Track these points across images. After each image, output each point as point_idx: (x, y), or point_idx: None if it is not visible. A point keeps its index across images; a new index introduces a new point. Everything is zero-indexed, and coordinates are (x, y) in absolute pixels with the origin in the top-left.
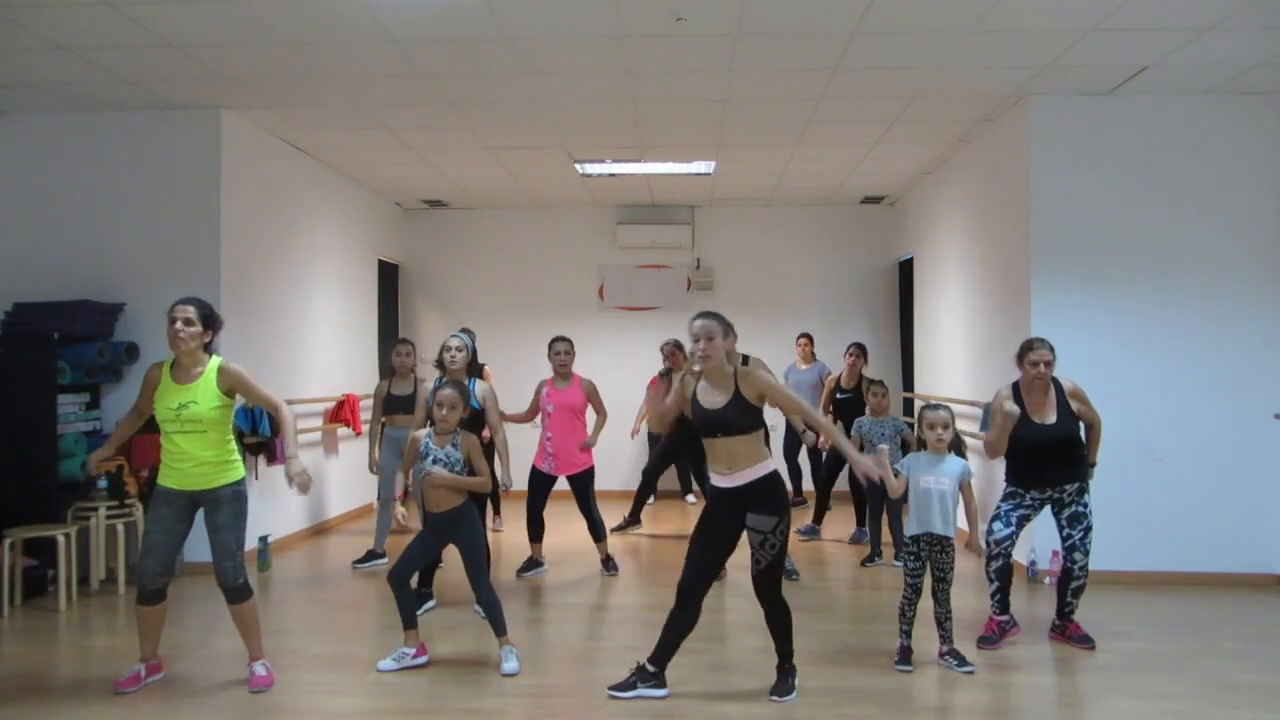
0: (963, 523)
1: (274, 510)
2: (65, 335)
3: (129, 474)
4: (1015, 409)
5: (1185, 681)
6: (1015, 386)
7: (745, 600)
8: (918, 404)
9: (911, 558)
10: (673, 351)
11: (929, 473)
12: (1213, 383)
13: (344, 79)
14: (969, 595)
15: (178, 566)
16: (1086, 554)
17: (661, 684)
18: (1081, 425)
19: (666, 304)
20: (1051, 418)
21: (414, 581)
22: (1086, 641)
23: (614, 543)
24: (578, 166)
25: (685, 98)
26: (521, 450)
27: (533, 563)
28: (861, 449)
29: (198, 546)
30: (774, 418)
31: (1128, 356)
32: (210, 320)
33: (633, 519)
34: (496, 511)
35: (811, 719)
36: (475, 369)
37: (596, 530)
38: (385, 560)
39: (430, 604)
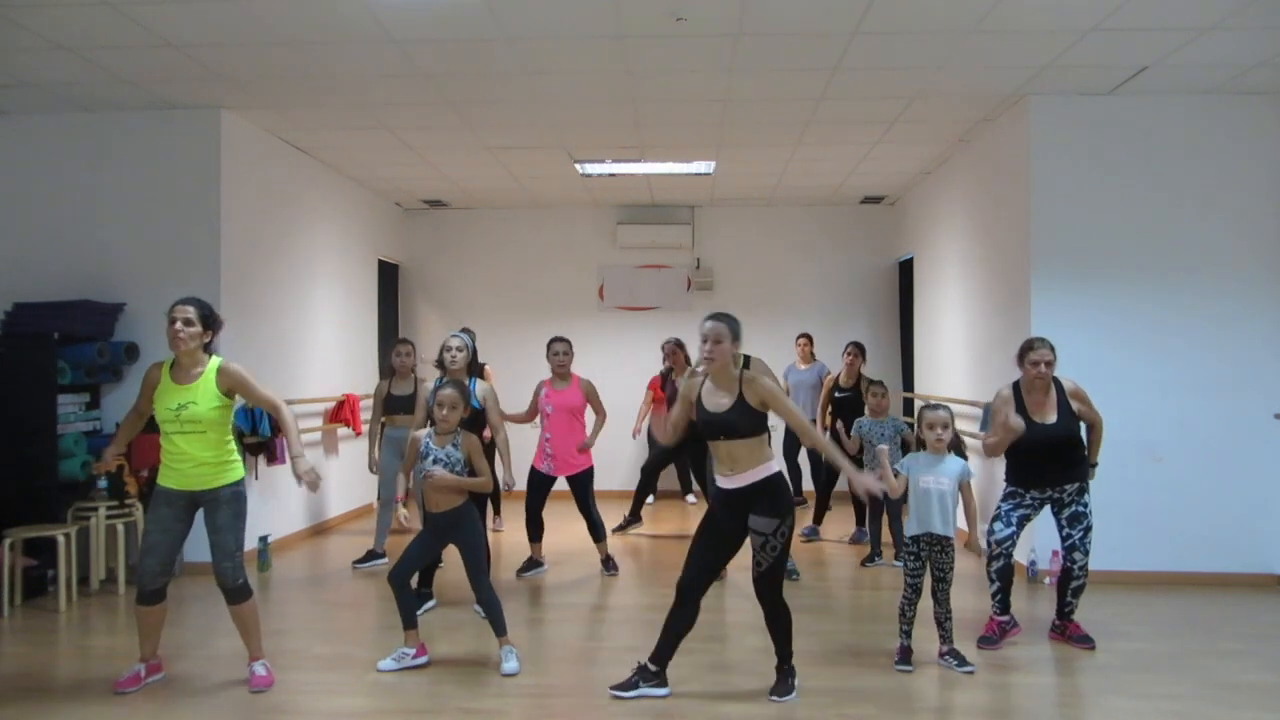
0: (962, 523)
1: (274, 510)
2: (65, 335)
3: (129, 474)
4: (1020, 423)
5: (1185, 681)
6: (1016, 386)
7: (745, 600)
8: (917, 404)
9: (911, 558)
10: (673, 350)
11: (929, 473)
12: (1212, 383)
13: (344, 79)
14: (969, 595)
15: (178, 566)
16: (1086, 554)
17: (663, 683)
18: (1083, 425)
19: (666, 304)
20: (1052, 417)
21: (414, 581)
22: (1086, 641)
23: (614, 543)
24: (578, 166)
25: (685, 98)
26: (522, 450)
27: (533, 563)
28: (861, 449)
29: (198, 546)
30: (774, 418)
31: (1128, 356)
32: (210, 320)
33: (633, 517)
34: (497, 511)
35: (811, 719)
36: (476, 369)
37: (596, 530)
38: (385, 560)
39: (430, 604)
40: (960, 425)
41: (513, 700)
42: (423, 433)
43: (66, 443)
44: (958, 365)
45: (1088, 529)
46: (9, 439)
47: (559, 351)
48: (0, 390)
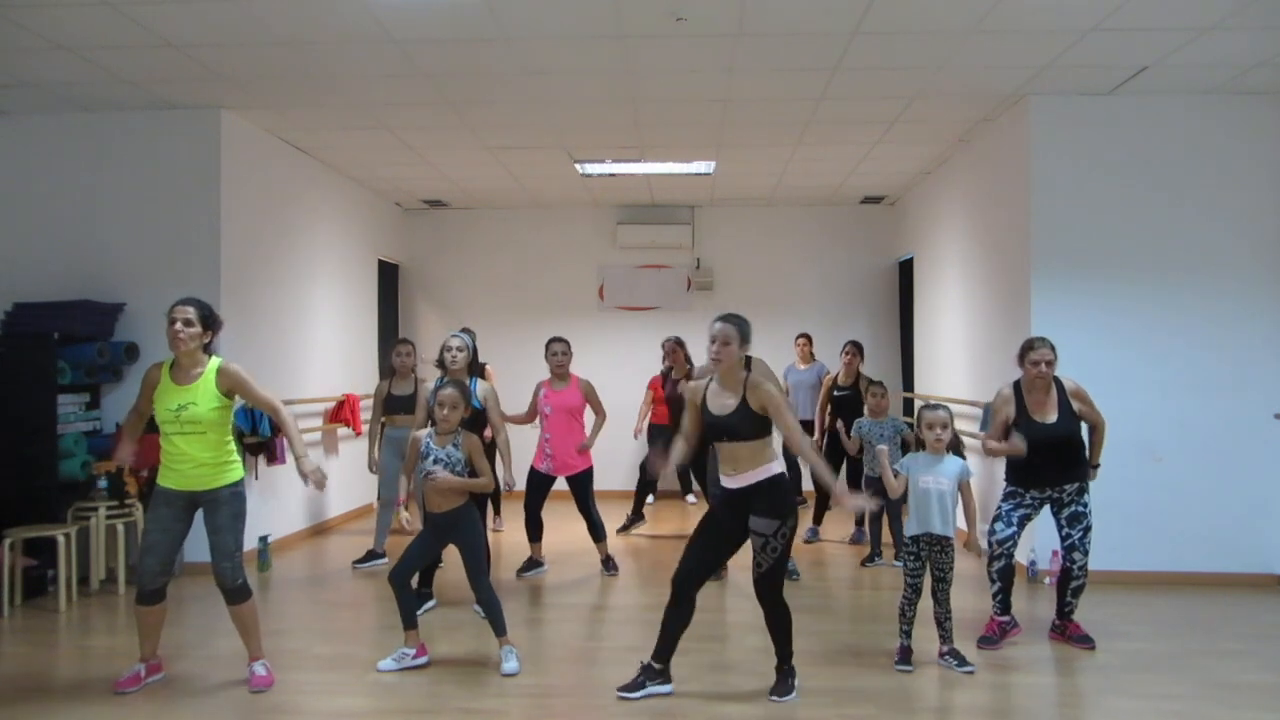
0: (962, 523)
1: (274, 510)
2: (65, 335)
3: (129, 474)
4: (1023, 446)
5: (1185, 681)
6: (1016, 386)
7: (745, 600)
8: (917, 404)
9: (911, 558)
10: (673, 348)
11: (928, 473)
12: (1212, 383)
13: (344, 79)
14: (969, 595)
15: (177, 566)
16: (1086, 554)
17: (668, 679)
18: (1084, 425)
19: (666, 304)
20: (1052, 417)
21: (414, 581)
22: (1086, 641)
23: (614, 543)
24: (578, 166)
25: (685, 98)
26: (522, 450)
27: (533, 563)
28: (861, 449)
29: (197, 546)
30: None
31: (1128, 356)
32: (210, 321)
33: (635, 516)
34: (497, 511)
35: (811, 719)
36: (476, 369)
37: (596, 531)
38: (385, 560)
39: (430, 604)
40: (960, 425)
41: (513, 700)
42: (423, 433)
43: (66, 443)
44: (957, 365)
45: (1087, 529)
46: (9, 439)
47: (557, 352)
48: (0, 390)
